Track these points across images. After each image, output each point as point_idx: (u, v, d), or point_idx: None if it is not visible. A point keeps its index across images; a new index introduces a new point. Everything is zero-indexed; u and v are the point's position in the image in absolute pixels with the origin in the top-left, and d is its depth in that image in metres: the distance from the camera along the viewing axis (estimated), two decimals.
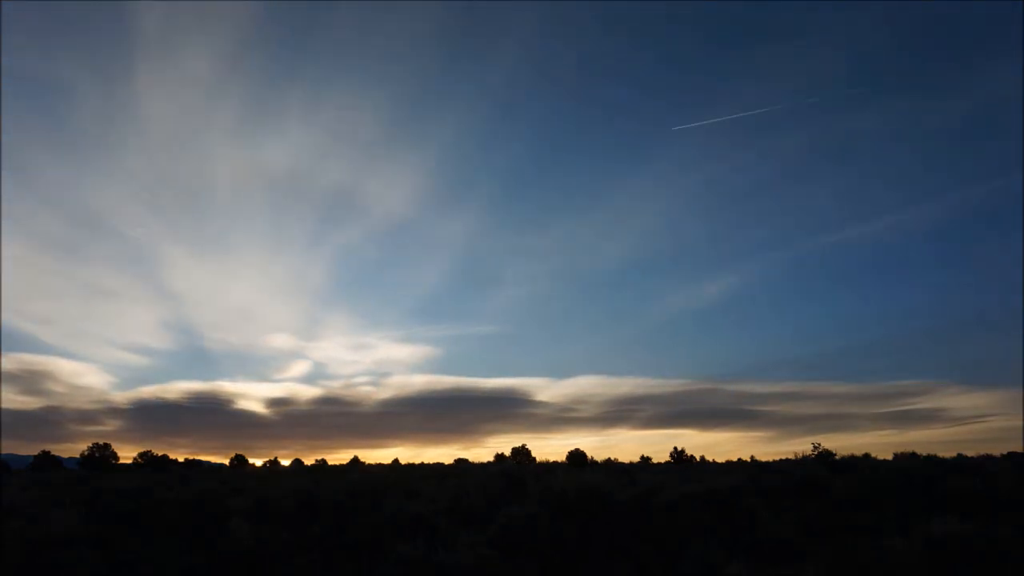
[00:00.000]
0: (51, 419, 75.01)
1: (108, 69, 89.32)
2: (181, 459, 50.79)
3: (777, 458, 38.03)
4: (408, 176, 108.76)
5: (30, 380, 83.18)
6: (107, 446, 48.49)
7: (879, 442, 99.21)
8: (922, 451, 26.92)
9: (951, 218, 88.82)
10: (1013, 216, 69.38)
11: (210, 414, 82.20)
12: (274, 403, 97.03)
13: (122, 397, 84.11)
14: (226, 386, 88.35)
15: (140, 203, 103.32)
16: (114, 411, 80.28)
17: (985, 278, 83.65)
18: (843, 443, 73.33)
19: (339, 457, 66.50)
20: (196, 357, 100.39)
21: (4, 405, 71.50)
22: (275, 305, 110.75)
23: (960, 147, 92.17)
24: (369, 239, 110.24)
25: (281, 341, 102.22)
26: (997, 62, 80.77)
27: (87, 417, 78.05)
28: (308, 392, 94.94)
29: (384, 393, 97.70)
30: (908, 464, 20.53)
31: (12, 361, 79.80)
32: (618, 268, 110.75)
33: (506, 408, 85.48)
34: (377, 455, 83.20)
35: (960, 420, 68.03)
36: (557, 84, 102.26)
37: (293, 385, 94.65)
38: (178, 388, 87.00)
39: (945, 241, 75.93)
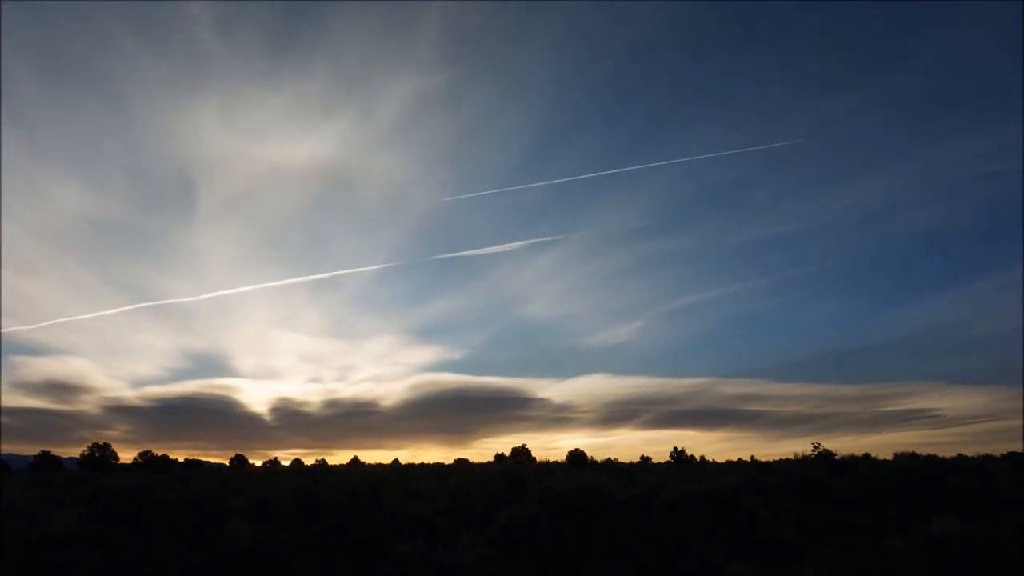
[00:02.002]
0: (54, 418, 75.07)
1: None
2: (181, 459, 50.86)
3: (777, 458, 38.01)
4: None
5: (37, 381, 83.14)
6: (107, 446, 48.52)
7: (879, 442, 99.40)
8: (922, 451, 27.00)
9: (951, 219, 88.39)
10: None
11: (211, 414, 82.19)
12: (275, 403, 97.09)
13: (124, 397, 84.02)
14: (226, 385, 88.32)
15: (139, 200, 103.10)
16: (115, 411, 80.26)
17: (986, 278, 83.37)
18: (843, 443, 73.41)
19: (339, 457, 66.51)
20: (196, 357, 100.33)
21: (12, 404, 71.54)
22: (275, 305, 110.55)
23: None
24: None
25: (282, 341, 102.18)
26: None
27: (91, 417, 78.07)
28: (308, 392, 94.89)
29: (385, 393, 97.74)
30: (908, 464, 20.54)
31: (15, 362, 79.81)
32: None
33: (506, 408, 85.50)
34: (377, 455, 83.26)
35: (959, 420, 68.01)
36: None
37: (293, 385, 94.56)
38: (178, 388, 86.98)
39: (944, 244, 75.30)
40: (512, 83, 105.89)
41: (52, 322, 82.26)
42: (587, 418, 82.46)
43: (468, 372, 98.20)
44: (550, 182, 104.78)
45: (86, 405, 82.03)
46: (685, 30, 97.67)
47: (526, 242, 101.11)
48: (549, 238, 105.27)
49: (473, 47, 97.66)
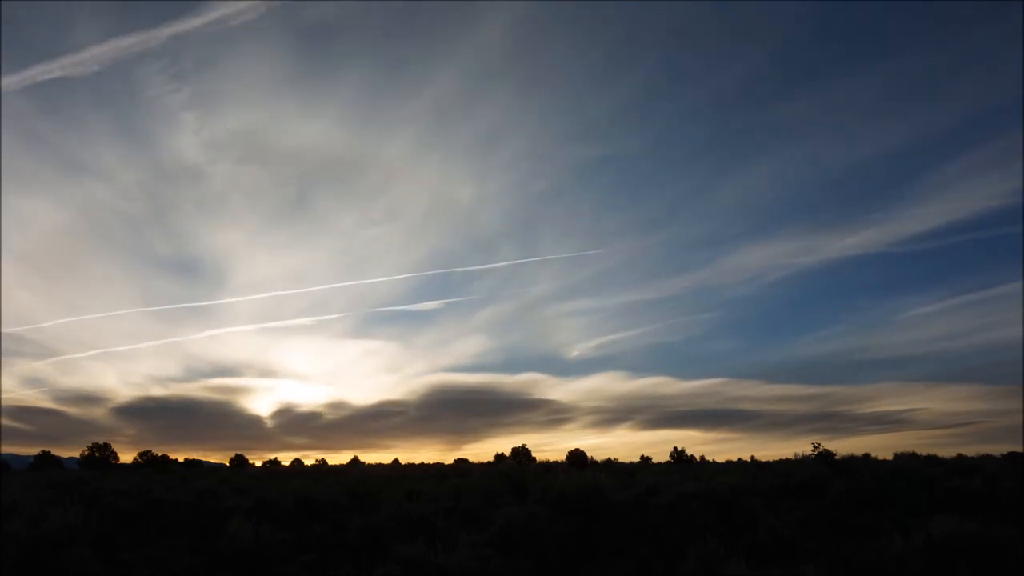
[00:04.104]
0: (56, 418, 75.17)
1: None
2: (181, 459, 50.88)
3: (777, 458, 38.02)
4: None
5: (39, 379, 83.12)
6: (107, 446, 48.57)
7: (879, 442, 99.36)
8: (922, 451, 27.05)
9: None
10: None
11: (211, 415, 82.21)
12: (275, 403, 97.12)
13: (125, 396, 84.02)
14: (227, 384, 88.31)
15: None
16: (116, 410, 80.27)
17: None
18: (843, 443, 73.28)
19: (339, 458, 66.50)
20: (196, 357, 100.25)
21: (13, 404, 71.81)
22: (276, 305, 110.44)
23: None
24: None
25: (283, 340, 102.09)
26: None
27: (91, 416, 78.11)
28: (308, 392, 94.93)
29: (385, 393, 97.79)
30: (908, 464, 20.58)
31: (15, 362, 79.78)
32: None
33: (506, 408, 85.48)
34: (377, 455, 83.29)
35: (959, 420, 67.93)
36: None
37: (294, 384, 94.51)
38: (180, 387, 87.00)
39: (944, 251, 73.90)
40: None
41: (57, 322, 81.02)
42: (587, 418, 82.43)
43: (468, 372, 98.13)
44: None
45: (87, 406, 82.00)
46: None
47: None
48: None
49: None
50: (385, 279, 78.67)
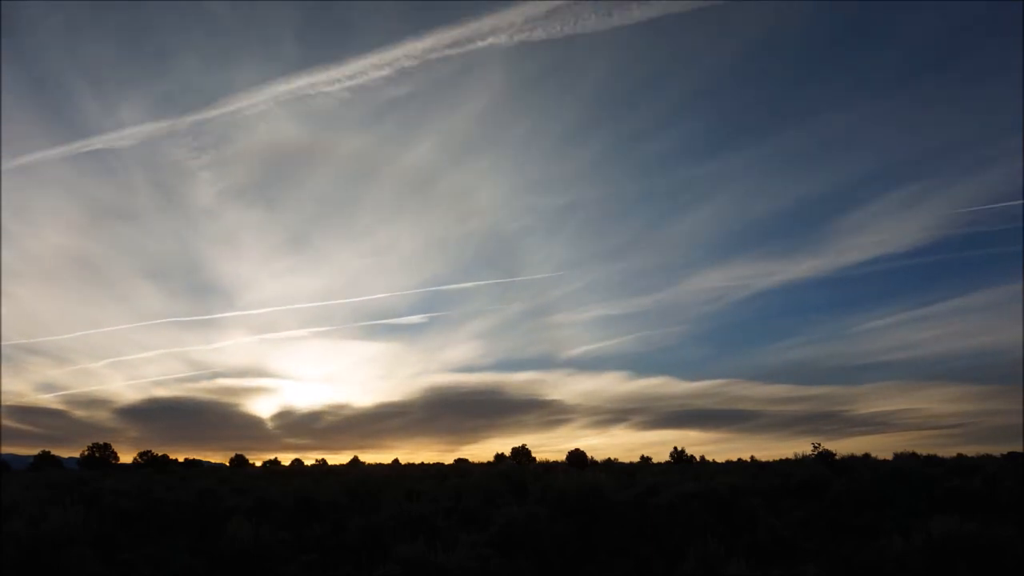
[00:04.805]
0: (59, 419, 75.34)
1: None
2: (181, 459, 50.87)
3: (777, 458, 38.01)
4: None
5: (51, 385, 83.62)
6: (107, 446, 48.58)
7: (879, 442, 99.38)
8: (922, 451, 27.06)
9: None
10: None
11: (211, 415, 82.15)
12: (275, 403, 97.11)
13: (129, 399, 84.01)
14: (227, 384, 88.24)
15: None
16: (116, 410, 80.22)
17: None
18: (843, 443, 74.04)
19: (339, 458, 66.45)
20: (196, 357, 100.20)
21: (13, 404, 72.20)
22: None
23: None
24: None
25: (284, 345, 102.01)
26: None
27: (92, 416, 78.33)
28: (309, 392, 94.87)
29: (385, 393, 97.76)
30: (908, 464, 20.56)
31: (17, 361, 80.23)
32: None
33: (506, 408, 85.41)
34: (377, 455, 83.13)
35: (958, 420, 68.30)
36: None
37: (294, 385, 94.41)
38: (180, 387, 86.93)
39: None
40: None
41: (76, 334, 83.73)
42: (587, 418, 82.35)
43: (468, 371, 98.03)
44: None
45: (92, 408, 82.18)
46: None
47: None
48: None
49: None
50: (380, 296, 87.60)
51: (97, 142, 65.56)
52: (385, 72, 64.33)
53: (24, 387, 78.54)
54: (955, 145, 75.65)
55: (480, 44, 62.15)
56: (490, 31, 61.24)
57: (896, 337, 79.39)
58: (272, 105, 67.97)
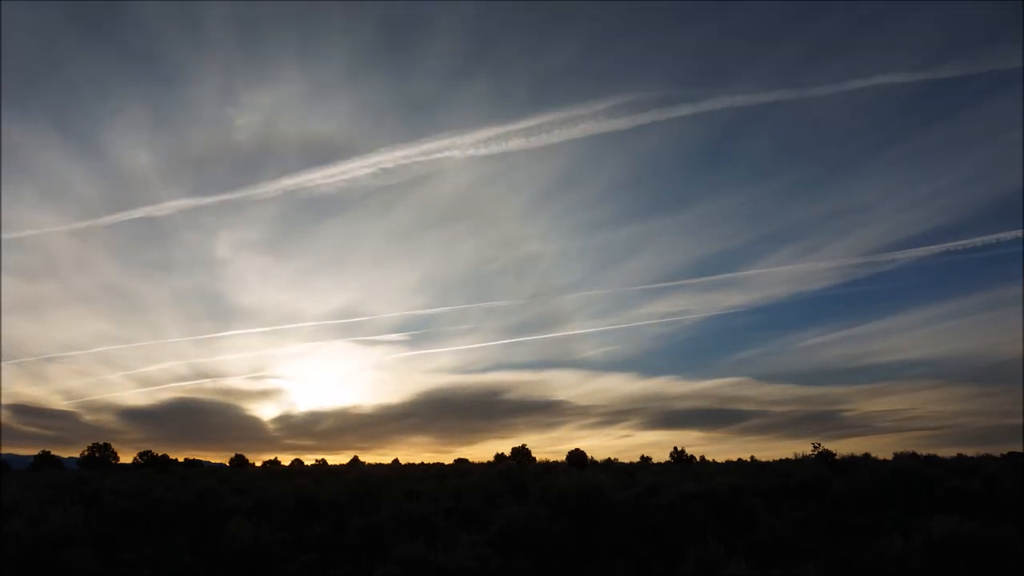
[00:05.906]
0: (62, 420, 75.56)
1: None
2: (181, 459, 50.80)
3: (777, 458, 38.00)
4: None
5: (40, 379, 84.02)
6: (107, 446, 48.51)
7: (879, 442, 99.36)
8: (922, 451, 27.06)
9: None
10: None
11: (211, 416, 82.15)
12: (275, 404, 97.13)
13: (125, 396, 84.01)
14: (228, 384, 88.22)
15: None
16: (119, 412, 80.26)
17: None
18: (843, 443, 74.36)
19: (339, 458, 66.46)
20: (196, 358, 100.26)
21: (13, 403, 72.38)
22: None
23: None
24: None
25: (283, 342, 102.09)
26: None
27: (98, 420, 78.79)
28: (309, 393, 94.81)
29: (384, 392, 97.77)
30: (908, 464, 20.55)
31: (17, 362, 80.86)
32: None
33: (506, 408, 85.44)
34: (377, 455, 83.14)
35: (958, 420, 68.36)
36: None
37: (293, 384, 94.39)
38: (180, 386, 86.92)
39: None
40: None
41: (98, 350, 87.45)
42: (587, 418, 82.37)
43: (468, 371, 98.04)
44: None
45: (96, 411, 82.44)
46: None
47: None
48: None
49: None
50: (379, 316, 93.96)
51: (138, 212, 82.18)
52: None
53: (41, 393, 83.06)
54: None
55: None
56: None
57: (896, 337, 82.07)
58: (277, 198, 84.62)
